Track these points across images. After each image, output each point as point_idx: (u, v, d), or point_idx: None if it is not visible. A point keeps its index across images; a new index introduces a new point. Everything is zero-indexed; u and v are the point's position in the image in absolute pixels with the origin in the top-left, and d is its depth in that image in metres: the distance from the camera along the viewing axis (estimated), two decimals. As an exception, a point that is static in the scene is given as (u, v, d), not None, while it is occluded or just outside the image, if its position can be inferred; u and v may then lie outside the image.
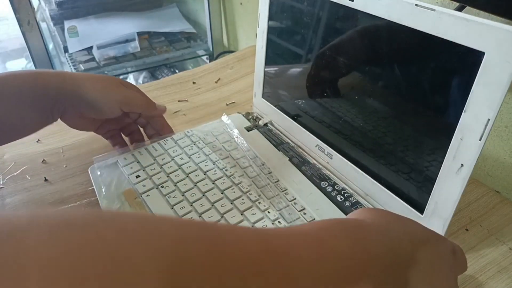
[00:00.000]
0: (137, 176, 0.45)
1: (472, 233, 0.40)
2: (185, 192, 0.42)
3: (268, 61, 0.51)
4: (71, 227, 0.14)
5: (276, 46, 0.49)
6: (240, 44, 1.03)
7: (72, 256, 0.13)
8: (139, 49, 0.99)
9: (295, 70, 0.48)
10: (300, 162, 0.47)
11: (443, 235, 0.35)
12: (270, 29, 0.49)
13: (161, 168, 0.46)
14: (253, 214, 0.39)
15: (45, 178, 0.48)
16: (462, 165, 0.31)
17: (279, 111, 0.51)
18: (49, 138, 0.55)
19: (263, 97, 0.54)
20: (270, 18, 0.48)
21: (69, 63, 0.96)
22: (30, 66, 1.54)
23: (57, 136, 0.55)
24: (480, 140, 0.30)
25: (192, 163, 0.46)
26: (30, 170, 0.49)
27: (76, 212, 0.18)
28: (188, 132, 0.51)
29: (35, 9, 0.85)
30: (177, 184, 0.43)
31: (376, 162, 0.39)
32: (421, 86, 0.33)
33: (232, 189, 0.42)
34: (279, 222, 0.39)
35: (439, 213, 0.34)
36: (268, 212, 0.40)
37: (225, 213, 0.40)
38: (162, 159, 0.47)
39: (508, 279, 0.36)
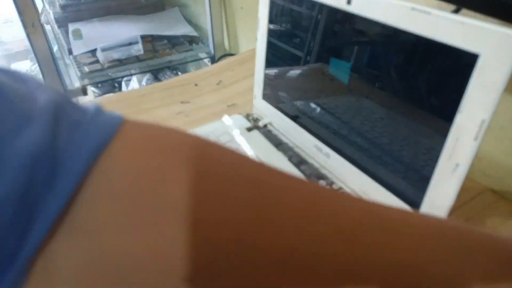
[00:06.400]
0: (140, 176, 0.45)
1: (469, 232, 0.41)
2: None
3: (268, 64, 0.52)
4: None
5: (275, 49, 0.50)
6: (240, 47, 1.04)
7: None
8: (142, 52, 0.99)
9: (294, 72, 0.49)
10: (299, 161, 0.47)
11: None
12: (269, 33, 0.50)
13: (163, 167, 0.46)
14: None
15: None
16: (457, 164, 0.32)
17: (278, 112, 0.52)
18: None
19: (263, 98, 0.55)
20: (270, 22, 0.49)
21: (73, 65, 0.97)
22: (35, 68, 1.56)
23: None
24: (475, 140, 0.30)
25: (193, 163, 0.47)
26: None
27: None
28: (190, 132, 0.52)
29: (40, 12, 0.86)
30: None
31: (373, 161, 0.40)
32: (417, 88, 0.34)
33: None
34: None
35: (435, 212, 0.35)
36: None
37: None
38: (164, 159, 0.48)
39: (503, 278, 0.36)
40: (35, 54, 0.88)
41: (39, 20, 0.85)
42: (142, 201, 0.13)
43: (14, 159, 0.11)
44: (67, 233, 0.12)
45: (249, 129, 0.54)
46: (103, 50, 0.96)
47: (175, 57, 1.02)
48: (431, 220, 0.17)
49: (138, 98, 0.65)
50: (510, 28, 0.27)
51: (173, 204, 0.13)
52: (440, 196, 0.34)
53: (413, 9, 0.32)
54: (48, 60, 0.89)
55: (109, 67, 0.96)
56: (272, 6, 0.48)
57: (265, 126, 0.55)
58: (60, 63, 1.07)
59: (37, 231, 0.11)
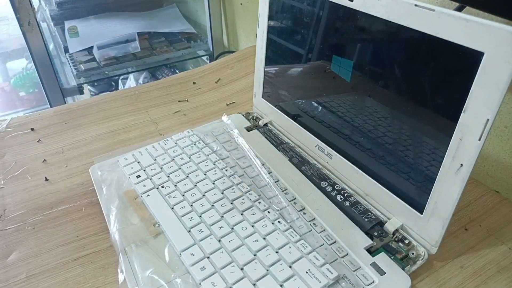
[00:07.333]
0: (138, 176, 0.45)
1: (472, 233, 0.40)
2: (185, 192, 0.42)
3: (268, 61, 0.51)
4: None
5: (276, 46, 0.49)
6: (240, 44, 1.03)
7: None
8: (139, 49, 0.99)
9: (295, 70, 0.48)
10: (300, 162, 0.47)
11: (442, 234, 0.35)
12: (270, 29, 0.49)
13: (161, 168, 0.46)
14: (253, 214, 0.39)
15: (45, 178, 0.48)
16: (461, 165, 0.31)
17: (279, 111, 0.51)
18: (49, 138, 0.55)
19: (263, 97, 0.54)
20: (270, 18, 0.48)
21: (69, 63, 0.96)
22: (31, 67, 1.54)
23: (58, 136, 0.56)
24: (479, 140, 0.30)
25: (192, 163, 0.46)
26: (30, 170, 0.49)
27: None
28: (188, 132, 0.51)
29: (36, 9, 0.85)
30: (177, 184, 0.43)
31: (376, 162, 0.39)
32: (421, 86, 0.34)
33: (232, 189, 0.42)
34: (279, 221, 0.39)
35: (438, 213, 0.34)
36: (268, 212, 0.40)
37: (225, 213, 0.40)
38: (163, 159, 0.47)
39: (507, 279, 0.36)
40: (30, 53, 0.87)
41: (35, 18, 0.84)
42: None
43: None
44: None
45: (248, 129, 0.53)
46: (100, 47, 0.95)
47: (173, 54, 1.01)
48: None
49: (135, 97, 0.64)
50: (517, 25, 0.26)
51: None
52: (444, 197, 0.34)
53: (416, 5, 0.32)
54: (44, 59, 0.88)
55: (105, 65, 0.95)
56: (273, 2, 0.47)
57: (265, 125, 0.54)
58: (56, 61, 1.06)
59: None
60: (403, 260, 0.36)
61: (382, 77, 0.37)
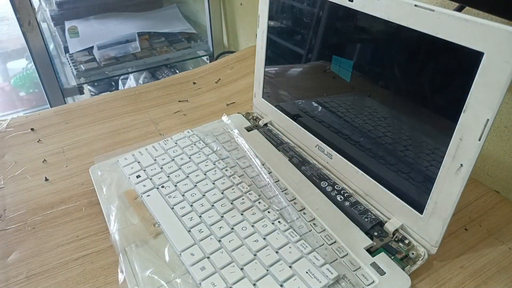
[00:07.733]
0: (138, 176, 0.45)
1: (472, 233, 0.40)
2: (185, 192, 0.42)
3: (268, 61, 0.51)
4: None
5: (276, 46, 0.49)
6: (240, 45, 1.03)
7: None
8: (139, 50, 0.99)
9: (295, 70, 0.48)
10: (300, 162, 0.47)
11: (442, 234, 0.35)
12: (270, 30, 0.49)
13: (161, 168, 0.46)
14: (253, 214, 0.39)
15: (45, 178, 0.48)
16: (461, 165, 0.31)
17: (279, 111, 0.51)
18: (49, 138, 0.55)
19: (263, 97, 0.54)
20: (270, 18, 0.48)
21: (69, 64, 0.96)
22: (31, 67, 1.54)
23: (58, 136, 0.56)
24: (479, 140, 0.30)
25: (192, 163, 0.46)
26: (30, 170, 0.49)
27: None
28: (188, 132, 0.51)
29: (36, 9, 0.85)
30: (177, 184, 0.43)
31: (376, 162, 0.40)
32: (421, 86, 0.34)
33: (232, 189, 0.42)
34: (279, 222, 0.39)
35: (438, 213, 0.34)
36: (268, 212, 0.40)
37: (225, 213, 0.40)
38: (163, 159, 0.47)
39: (507, 279, 0.36)
40: (31, 53, 0.87)
41: (35, 18, 0.84)
42: None
43: None
44: None
45: (248, 129, 0.53)
46: (100, 48, 0.95)
47: (173, 54, 1.01)
48: None
49: (135, 97, 0.64)
50: (517, 25, 0.26)
51: None
52: (444, 197, 0.34)
53: (416, 6, 0.32)
54: (44, 59, 0.88)
55: (105, 65, 0.95)
56: (272, 2, 0.47)
57: (265, 125, 0.54)
58: (56, 61, 1.06)
59: None
60: (403, 260, 0.36)
61: (382, 77, 0.37)
